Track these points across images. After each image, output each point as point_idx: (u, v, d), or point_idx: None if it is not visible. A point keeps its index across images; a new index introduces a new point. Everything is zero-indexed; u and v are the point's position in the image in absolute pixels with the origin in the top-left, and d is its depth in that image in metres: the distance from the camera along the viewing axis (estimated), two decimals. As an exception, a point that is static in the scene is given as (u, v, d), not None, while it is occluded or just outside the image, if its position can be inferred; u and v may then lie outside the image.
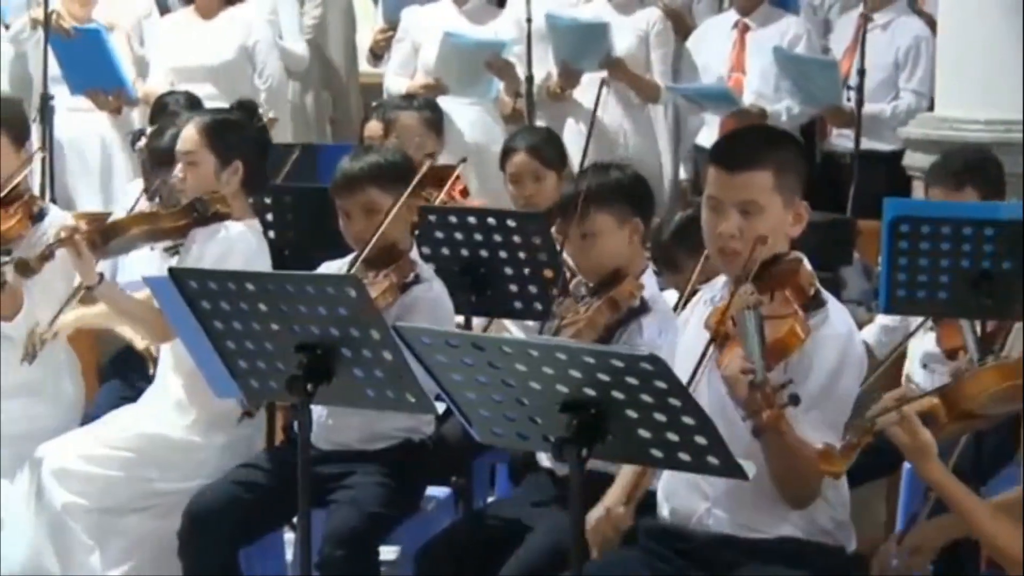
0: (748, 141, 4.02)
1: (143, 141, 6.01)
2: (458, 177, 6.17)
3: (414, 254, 5.04)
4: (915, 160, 7.22)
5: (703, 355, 3.71)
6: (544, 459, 4.76)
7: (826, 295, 3.91)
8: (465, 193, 6.51)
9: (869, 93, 7.66)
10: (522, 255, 5.20)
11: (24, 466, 5.19)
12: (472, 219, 5.26)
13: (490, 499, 5.62)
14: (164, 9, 8.68)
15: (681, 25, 8.36)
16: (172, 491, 5.09)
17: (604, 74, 7.83)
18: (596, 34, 7.84)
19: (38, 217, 5.47)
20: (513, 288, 5.25)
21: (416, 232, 5.15)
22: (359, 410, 4.53)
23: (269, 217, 5.71)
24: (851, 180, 7.49)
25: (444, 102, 7.32)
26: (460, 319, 5.20)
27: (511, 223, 5.21)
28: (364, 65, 9.05)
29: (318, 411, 4.77)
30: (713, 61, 8.07)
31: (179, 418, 5.18)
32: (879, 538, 4.42)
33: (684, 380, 3.44)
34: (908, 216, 4.90)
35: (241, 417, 5.15)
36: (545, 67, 7.98)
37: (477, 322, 5.45)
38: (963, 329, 4.83)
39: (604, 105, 7.85)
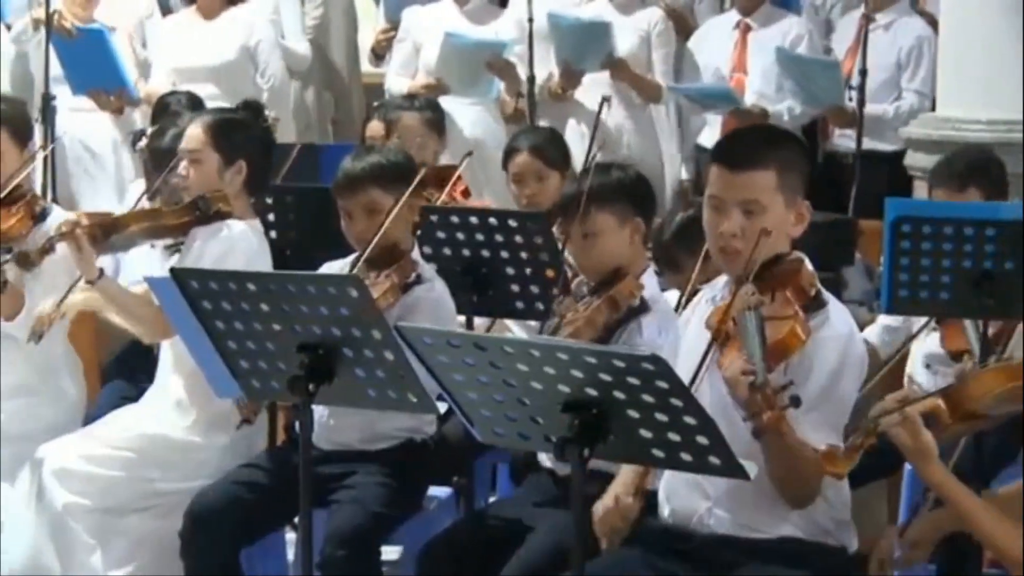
0: (751, 140, 4.02)
1: (144, 141, 6.02)
2: (459, 177, 6.17)
3: (416, 254, 5.04)
4: (917, 160, 7.21)
5: (704, 355, 3.71)
6: (545, 459, 4.76)
7: (827, 296, 3.92)
8: (467, 193, 6.51)
9: (871, 93, 7.66)
10: (524, 255, 5.20)
11: (25, 466, 5.19)
12: (474, 219, 5.26)
13: (491, 499, 5.62)
14: (166, 9, 8.68)
15: (683, 25, 8.36)
16: (173, 491, 5.09)
17: (606, 77, 7.85)
18: (598, 34, 7.83)
19: (40, 217, 5.48)
20: (515, 288, 5.25)
21: (418, 232, 5.15)
22: (360, 410, 4.53)
23: (271, 217, 5.71)
24: (853, 180, 7.48)
25: (445, 102, 7.31)
26: (462, 319, 5.20)
27: (513, 223, 5.21)
28: (366, 65, 9.05)
29: (320, 411, 4.77)
30: (715, 61, 8.06)
31: (180, 418, 5.18)
32: (880, 538, 4.42)
33: (685, 380, 3.44)
34: (910, 216, 4.90)
35: (240, 424, 5.15)
36: (546, 67, 7.98)
37: (479, 322, 5.44)
38: (967, 330, 4.83)
39: (605, 105, 7.86)
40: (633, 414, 3.40)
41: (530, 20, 7.74)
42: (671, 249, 5.03)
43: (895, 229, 4.89)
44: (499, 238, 5.21)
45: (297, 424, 4.19)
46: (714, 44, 8.15)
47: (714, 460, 3.43)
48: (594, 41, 7.85)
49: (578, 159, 6.37)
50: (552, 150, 6.18)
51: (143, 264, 5.61)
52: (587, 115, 7.85)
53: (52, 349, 5.49)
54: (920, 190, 6.97)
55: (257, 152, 5.26)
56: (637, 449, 3.48)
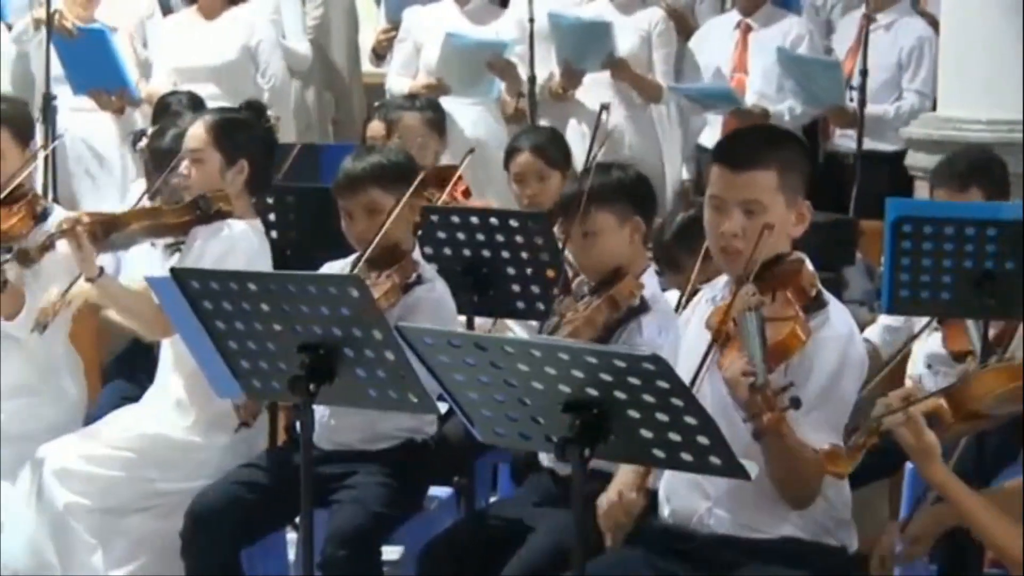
0: (752, 140, 4.02)
1: (144, 141, 6.02)
2: (460, 177, 6.17)
3: (416, 254, 5.04)
4: (917, 160, 7.22)
5: (705, 356, 3.71)
6: (546, 459, 4.76)
7: (827, 296, 3.91)
8: (467, 193, 6.51)
9: (872, 94, 7.66)
10: (524, 255, 5.20)
11: (25, 466, 5.19)
12: (474, 219, 5.26)
13: (492, 499, 5.62)
14: (167, 9, 8.68)
15: (683, 25, 8.36)
16: (174, 491, 5.09)
17: (607, 77, 7.85)
18: (598, 34, 7.83)
19: (42, 217, 5.48)
20: (515, 288, 5.25)
21: (419, 232, 5.15)
22: (361, 410, 4.53)
23: (271, 217, 5.71)
24: (854, 180, 7.48)
25: (446, 102, 7.31)
26: (463, 319, 5.20)
27: (513, 223, 5.21)
28: (367, 65, 9.05)
29: (320, 411, 4.77)
30: (715, 61, 8.06)
31: (179, 418, 5.18)
32: (882, 534, 4.42)
33: (686, 380, 3.44)
34: (911, 216, 4.90)
35: (238, 427, 5.14)
36: (547, 67, 7.98)
37: (480, 322, 5.44)
38: (970, 331, 4.83)
39: (604, 112, 7.86)
40: (634, 414, 3.39)
41: (531, 20, 7.75)
42: (672, 249, 5.03)
43: (896, 229, 4.89)
44: (500, 238, 5.21)
45: (298, 424, 4.19)
46: (715, 44, 8.15)
47: (715, 460, 3.43)
48: (595, 41, 7.85)
49: (579, 159, 6.37)
50: (554, 150, 6.18)
51: (143, 263, 5.61)
52: (588, 115, 7.85)
53: (53, 349, 5.49)
54: (921, 190, 6.98)
55: (259, 152, 5.26)
56: (638, 449, 3.48)
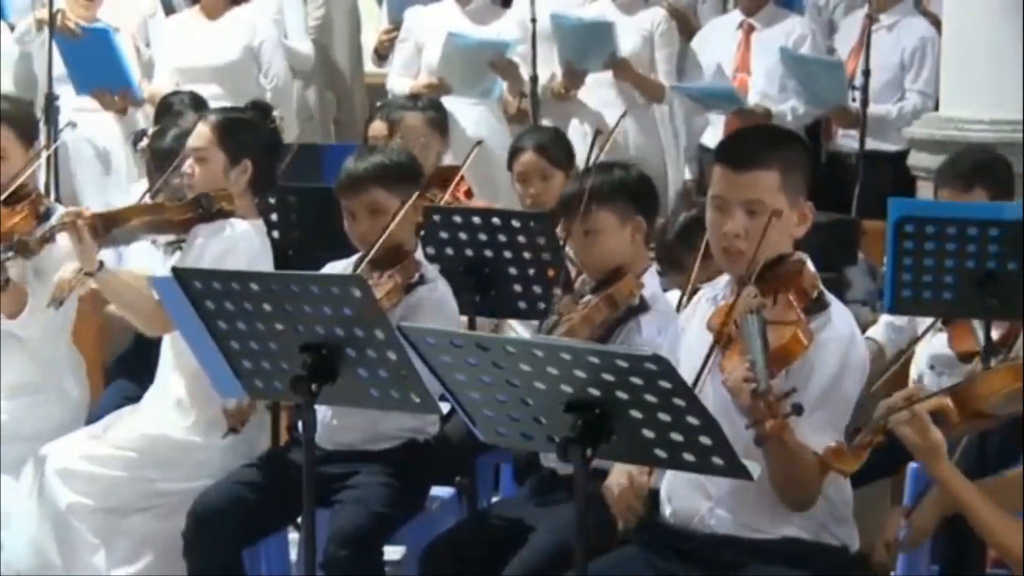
0: (754, 140, 4.02)
1: (145, 141, 6.01)
2: (462, 178, 6.17)
3: (419, 255, 5.04)
4: (920, 160, 7.22)
5: (707, 357, 3.71)
6: (548, 459, 4.76)
7: (829, 297, 3.91)
8: (469, 194, 6.51)
9: (874, 94, 7.65)
10: (526, 255, 5.21)
11: (28, 465, 5.19)
12: (476, 219, 5.26)
13: (494, 499, 5.62)
14: (169, 9, 8.68)
15: (686, 25, 8.37)
16: (175, 491, 5.09)
17: (609, 77, 7.86)
18: (600, 34, 7.83)
19: (45, 216, 5.47)
20: (517, 288, 5.26)
21: (421, 232, 5.15)
22: (363, 410, 4.53)
23: (273, 217, 5.71)
24: (856, 180, 7.48)
25: (448, 102, 7.31)
26: (465, 319, 5.20)
27: (515, 223, 5.21)
28: (369, 65, 9.05)
29: (322, 411, 4.76)
30: (718, 61, 8.05)
31: (180, 418, 5.18)
32: (887, 518, 4.43)
33: (687, 380, 3.44)
34: (913, 216, 4.90)
35: (226, 433, 5.11)
36: (549, 67, 7.98)
37: (482, 322, 5.44)
38: (976, 331, 4.83)
39: (608, 104, 7.87)
40: (636, 414, 3.39)
41: (533, 20, 7.75)
42: (674, 249, 5.03)
43: (898, 229, 4.89)
44: (502, 238, 5.22)
45: (300, 424, 4.19)
46: (717, 44, 8.14)
47: (717, 460, 3.43)
48: (597, 41, 7.85)
49: (581, 159, 6.37)
50: (557, 150, 6.19)
51: (144, 260, 5.62)
52: (590, 115, 7.87)
53: (55, 348, 5.49)
54: (923, 190, 6.97)
55: (263, 152, 5.26)
56: (640, 449, 3.48)
